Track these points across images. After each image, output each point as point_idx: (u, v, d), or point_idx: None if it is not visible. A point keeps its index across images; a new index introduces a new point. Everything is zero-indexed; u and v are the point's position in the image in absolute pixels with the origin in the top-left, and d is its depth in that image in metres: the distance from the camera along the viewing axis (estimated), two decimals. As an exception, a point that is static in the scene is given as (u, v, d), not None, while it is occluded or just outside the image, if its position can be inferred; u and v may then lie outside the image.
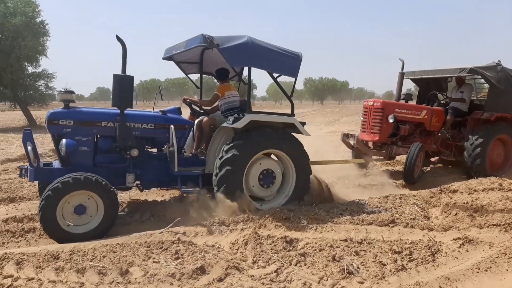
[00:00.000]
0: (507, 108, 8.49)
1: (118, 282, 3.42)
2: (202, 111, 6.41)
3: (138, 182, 5.59)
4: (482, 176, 7.73)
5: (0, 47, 20.32)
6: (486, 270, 3.79)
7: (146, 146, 5.73)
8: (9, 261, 3.73)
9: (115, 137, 5.29)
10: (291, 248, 4.21)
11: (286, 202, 5.76)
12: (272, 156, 6.03)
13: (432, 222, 5.29)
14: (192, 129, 6.12)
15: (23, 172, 5.21)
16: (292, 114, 5.92)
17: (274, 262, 3.87)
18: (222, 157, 5.33)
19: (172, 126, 5.49)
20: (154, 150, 5.87)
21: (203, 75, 7.09)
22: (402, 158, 9.51)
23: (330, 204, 5.92)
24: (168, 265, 3.73)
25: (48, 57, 22.87)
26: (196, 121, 6.17)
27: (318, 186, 6.32)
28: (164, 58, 6.52)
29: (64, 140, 4.99)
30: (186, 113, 6.38)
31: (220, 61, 6.02)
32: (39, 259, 3.78)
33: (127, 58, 4.99)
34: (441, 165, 9.78)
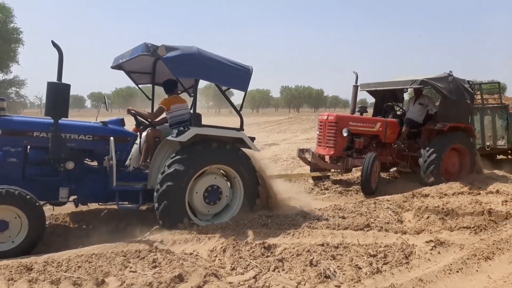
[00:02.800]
0: (460, 118, 8.61)
1: (94, 293, 3.37)
2: (148, 122, 6.07)
3: (75, 196, 5.29)
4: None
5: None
6: (457, 271, 3.91)
7: (86, 159, 5.44)
8: (-21, 274, 3.62)
9: (48, 148, 4.95)
10: (269, 254, 4.24)
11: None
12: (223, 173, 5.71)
13: (405, 226, 5.44)
14: (136, 142, 5.85)
15: None
16: (241, 128, 5.67)
17: (252, 268, 3.88)
18: (164, 172, 5.05)
19: (112, 138, 5.20)
20: (95, 163, 5.57)
21: (155, 86, 6.75)
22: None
23: (307, 210, 6.00)
24: (146, 274, 3.69)
25: (20, 64, 22.43)
26: (144, 133, 5.96)
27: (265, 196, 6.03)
28: (112, 67, 6.13)
29: None
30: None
31: None
32: (11, 271, 3.67)
33: (63, 65, 4.80)
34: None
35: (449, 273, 3.86)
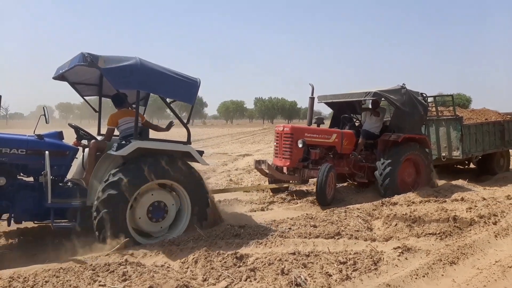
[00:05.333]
0: (414, 129, 8.90)
1: (62, 308, 3.29)
2: (88, 136, 5.84)
3: (8, 214, 5.03)
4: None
5: None
6: (424, 276, 4.04)
7: (20, 174, 5.19)
8: None
9: None
10: (241, 264, 4.26)
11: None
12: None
13: (375, 233, 5.57)
14: (77, 156, 5.61)
15: None
16: (188, 142, 5.48)
17: (224, 279, 3.89)
18: (103, 187, 4.81)
19: (47, 152, 4.96)
20: (31, 178, 5.31)
21: (102, 98, 6.50)
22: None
23: (279, 219, 6.06)
24: (115, 288, 3.64)
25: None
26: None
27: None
28: (54, 78, 5.83)
29: None
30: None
31: None
32: (-27, 288, 3.55)
33: None
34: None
35: (416, 278, 3.98)
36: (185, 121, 5.64)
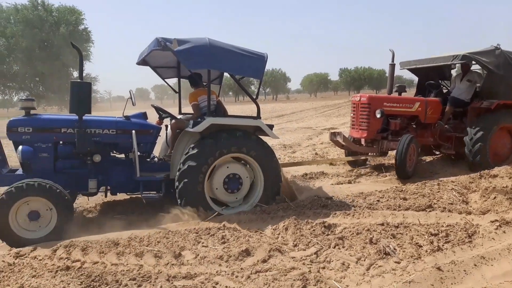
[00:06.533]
0: (509, 95, 7.92)
1: (173, 264, 3.80)
2: (167, 115, 6.28)
3: (105, 187, 5.63)
4: (485, 169, 7.04)
5: (47, 54, 21.89)
6: (524, 250, 3.84)
7: (113, 152, 5.73)
8: (75, 248, 4.20)
9: (75, 143, 5.26)
10: (329, 233, 4.44)
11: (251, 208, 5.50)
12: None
13: (471, 207, 5.34)
14: (161, 134, 6.03)
15: None
16: (258, 116, 5.71)
17: (313, 245, 4.11)
18: (184, 159, 5.26)
19: (133, 131, 5.48)
20: (122, 155, 5.87)
21: (181, 79, 6.98)
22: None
23: (367, 192, 6.08)
24: (216, 249, 4.07)
25: (92, 61, 24.40)
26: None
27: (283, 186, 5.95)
28: (137, 63, 6.37)
29: (20, 147, 5.02)
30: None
31: None
32: (101, 245, 4.22)
33: (83, 65, 5.13)
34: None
35: (515, 252, 3.81)
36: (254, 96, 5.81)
